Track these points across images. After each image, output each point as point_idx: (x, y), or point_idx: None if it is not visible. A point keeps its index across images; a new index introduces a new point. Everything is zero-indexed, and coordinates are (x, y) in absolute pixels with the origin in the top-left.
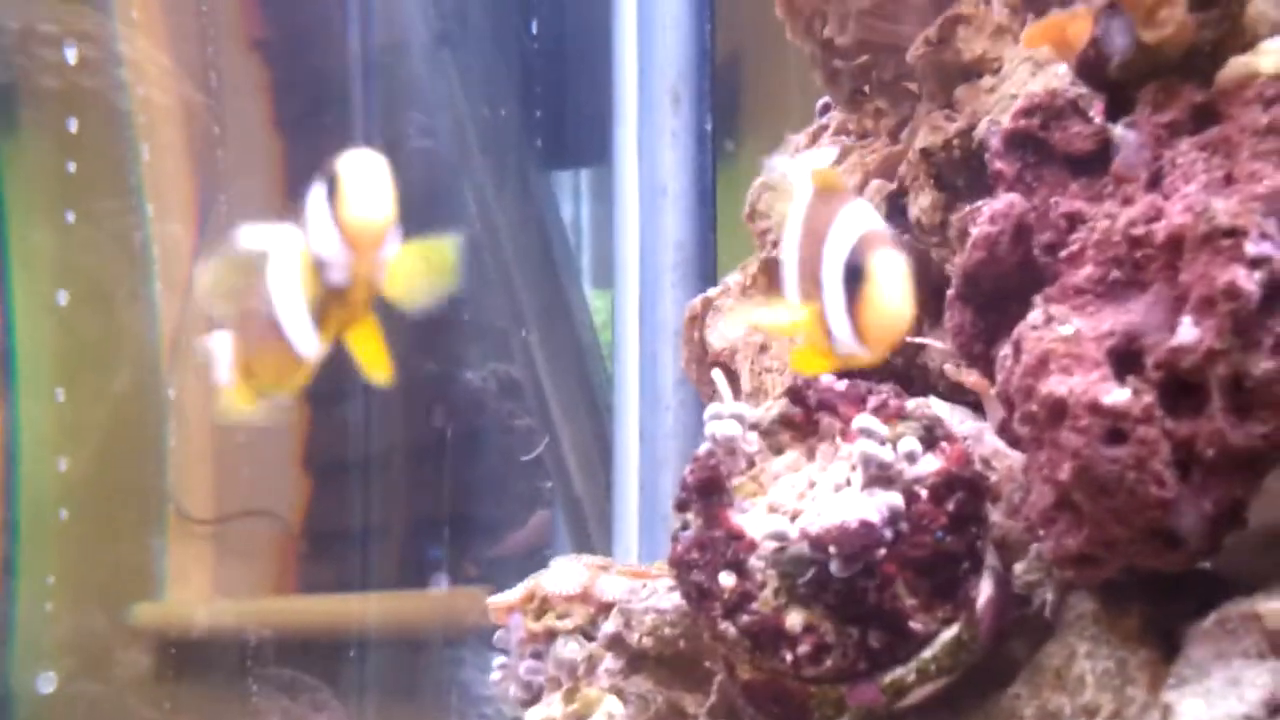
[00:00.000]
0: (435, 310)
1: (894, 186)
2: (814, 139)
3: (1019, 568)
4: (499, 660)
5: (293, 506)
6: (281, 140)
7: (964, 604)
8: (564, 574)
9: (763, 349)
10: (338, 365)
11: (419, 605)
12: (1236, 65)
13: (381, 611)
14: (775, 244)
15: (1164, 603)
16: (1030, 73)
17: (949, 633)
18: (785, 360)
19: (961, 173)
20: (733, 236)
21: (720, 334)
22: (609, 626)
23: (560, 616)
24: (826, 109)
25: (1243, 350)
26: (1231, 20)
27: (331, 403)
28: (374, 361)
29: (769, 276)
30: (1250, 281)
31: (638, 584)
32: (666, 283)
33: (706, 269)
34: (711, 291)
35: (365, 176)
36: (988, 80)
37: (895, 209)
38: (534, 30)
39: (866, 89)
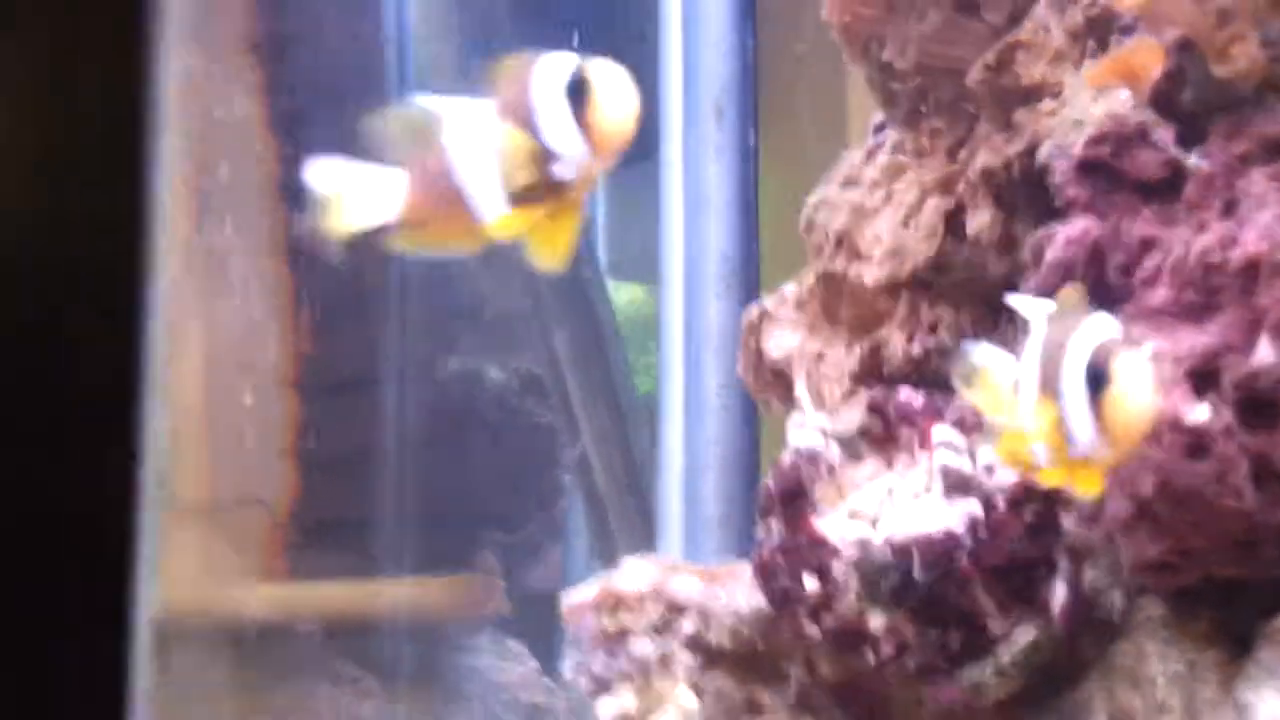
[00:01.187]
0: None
1: (952, 204)
2: (870, 156)
3: (1089, 573)
4: (573, 656)
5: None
6: None
7: (1040, 607)
8: (636, 573)
9: (819, 357)
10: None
11: (430, 592)
12: None
13: (396, 599)
14: (834, 258)
15: (1232, 608)
16: (1092, 98)
17: (1026, 635)
18: (843, 368)
19: (1021, 192)
20: None
21: (777, 343)
22: (687, 626)
23: (633, 614)
24: (881, 128)
25: None
26: None
27: (342, 394)
28: (558, 251)
29: (827, 289)
30: None
31: (710, 585)
32: (710, 293)
33: (750, 279)
34: (768, 302)
35: (620, 86)
36: (1047, 104)
37: (954, 225)
38: (575, 43)
39: (923, 109)
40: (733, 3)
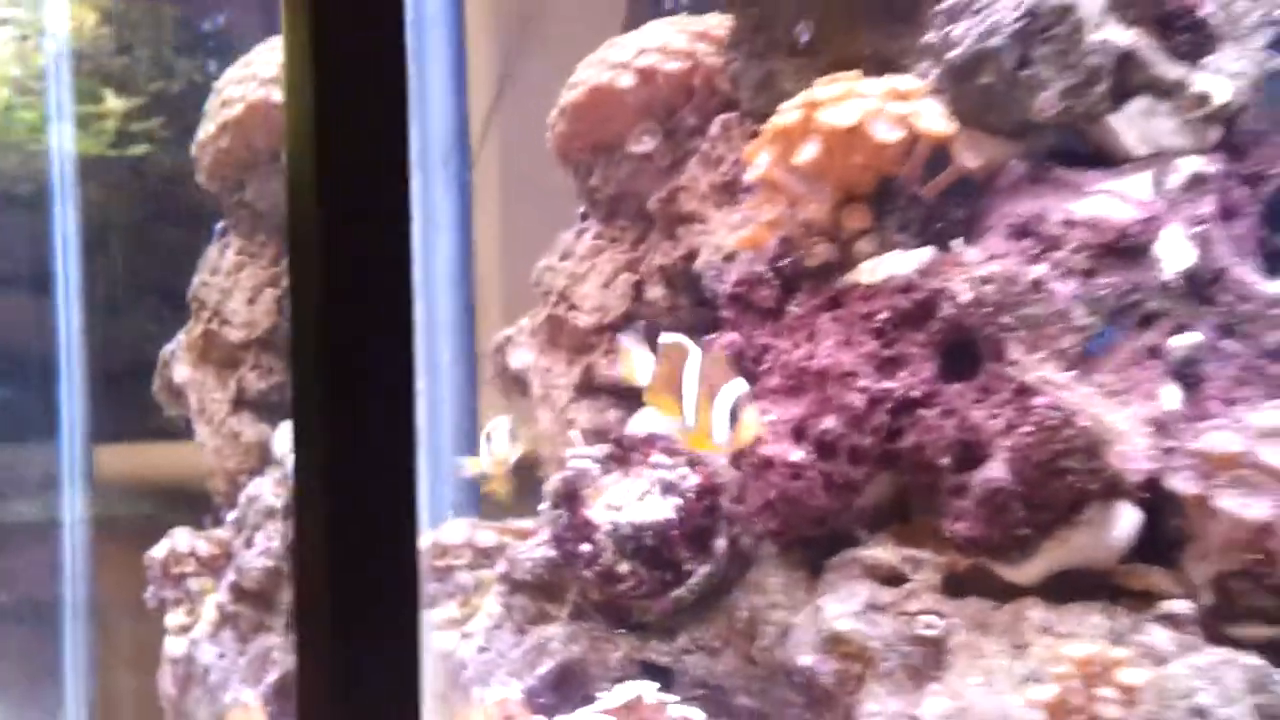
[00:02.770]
0: None
1: (636, 278)
2: (578, 236)
3: (737, 533)
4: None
5: None
6: None
7: (711, 553)
8: (454, 529)
9: (548, 370)
10: None
11: None
12: (850, 276)
13: None
14: (556, 305)
15: (813, 550)
16: (729, 232)
17: (704, 569)
18: (570, 379)
19: (680, 278)
20: None
21: (518, 358)
22: (500, 566)
23: (454, 556)
24: (585, 216)
25: (855, 431)
26: (848, 252)
27: None
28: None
29: (552, 326)
30: (859, 399)
31: (502, 537)
32: (441, 290)
33: (468, 277)
34: (509, 330)
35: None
36: (697, 227)
37: (638, 293)
38: None
39: (616, 213)
40: (450, 78)
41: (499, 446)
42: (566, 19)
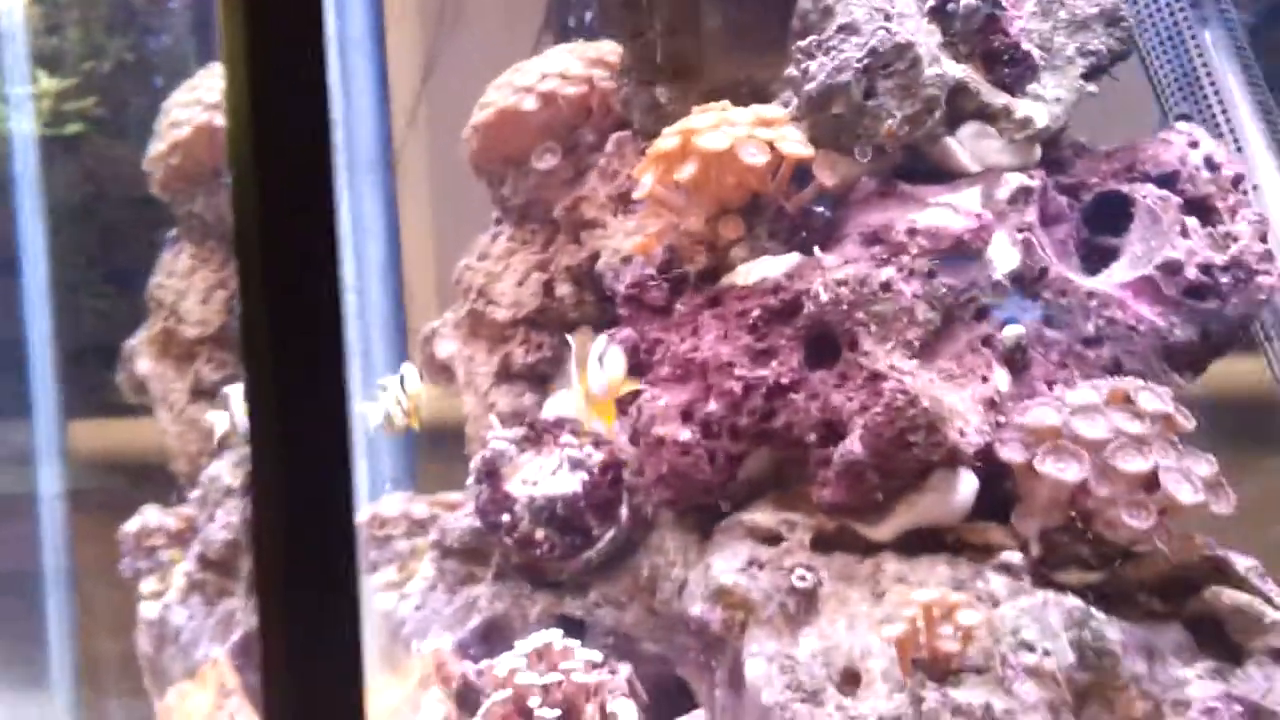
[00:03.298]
0: None
1: (547, 278)
2: (494, 239)
3: (639, 501)
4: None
5: None
6: None
7: (615, 519)
8: (391, 502)
9: (471, 359)
10: None
11: None
12: (727, 278)
13: None
14: (475, 301)
15: (705, 516)
16: (624, 237)
17: (609, 533)
18: (490, 367)
19: (585, 278)
20: None
21: (443, 349)
22: (433, 535)
23: (392, 527)
24: (500, 221)
25: (734, 414)
26: (725, 258)
27: None
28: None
29: (473, 319)
30: (737, 386)
31: (435, 508)
32: (373, 287)
33: (396, 273)
34: (435, 323)
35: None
36: (598, 233)
37: (548, 290)
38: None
39: (526, 218)
40: (375, 96)
41: (412, 384)
42: (489, 23)
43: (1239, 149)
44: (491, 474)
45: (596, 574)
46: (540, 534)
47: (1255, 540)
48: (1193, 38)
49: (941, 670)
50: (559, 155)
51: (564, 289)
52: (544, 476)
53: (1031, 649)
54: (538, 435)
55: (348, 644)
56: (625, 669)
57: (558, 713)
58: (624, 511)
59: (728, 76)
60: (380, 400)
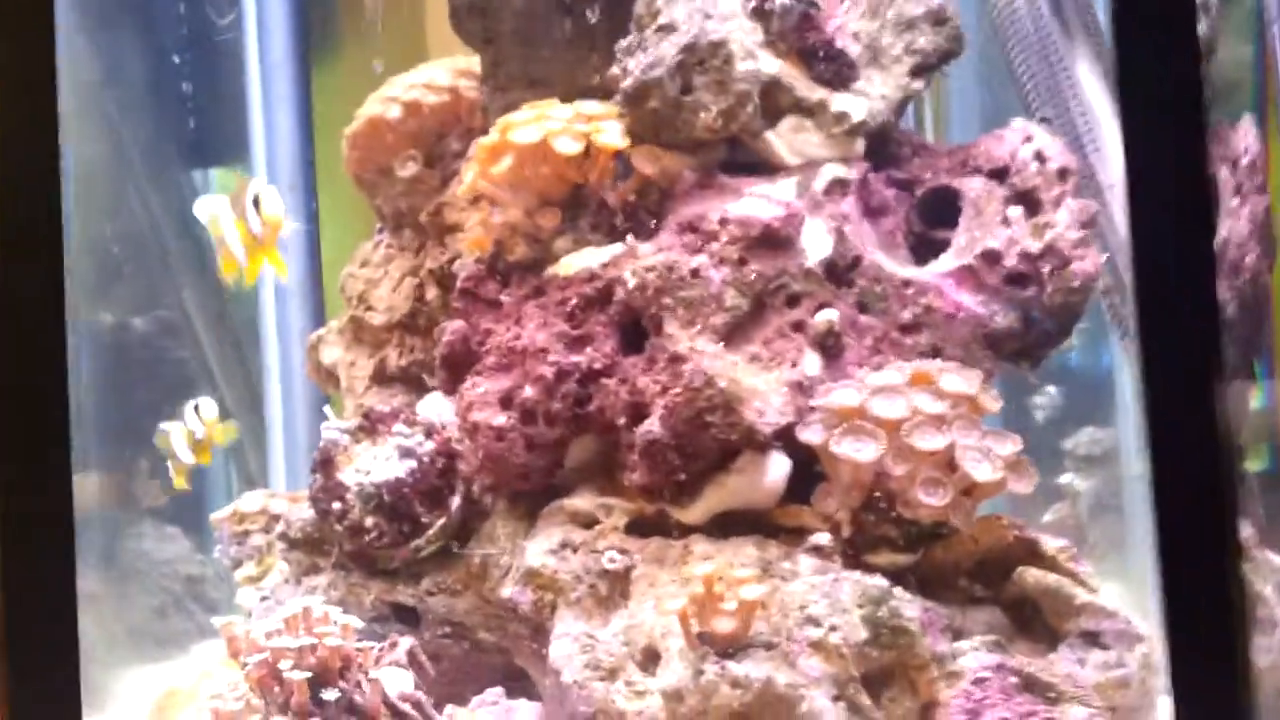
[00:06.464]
0: None
1: (418, 282)
2: (375, 247)
3: (472, 488)
4: (219, 547)
5: None
6: None
7: (446, 508)
8: (252, 499)
9: (352, 364)
10: None
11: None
12: (552, 269)
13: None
14: (356, 308)
15: (535, 503)
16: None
17: (439, 521)
18: (365, 371)
19: (450, 280)
20: None
21: (328, 354)
22: (280, 527)
23: (251, 522)
24: (381, 230)
25: (548, 399)
26: (549, 249)
27: None
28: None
29: (354, 325)
30: (551, 371)
31: (290, 504)
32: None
33: (318, 283)
34: (322, 330)
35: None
36: (460, 235)
37: (420, 295)
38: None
39: (400, 226)
40: (297, 123)
41: (207, 413)
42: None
43: (1096, 149)
44: (325, 463)
45: (430, 562)
46: (369, 521)
47: None
48: (1055, 47)
49: (725, 644)
50: (420, 163)
51: (432, 293)
52: (376, 465)
53: (818, 624)
54: (372, 425)
55: None
56: (407, 642)
57: (308, 674)
58: (455, 500)
59: (583, 82)
60: (172, 432)
